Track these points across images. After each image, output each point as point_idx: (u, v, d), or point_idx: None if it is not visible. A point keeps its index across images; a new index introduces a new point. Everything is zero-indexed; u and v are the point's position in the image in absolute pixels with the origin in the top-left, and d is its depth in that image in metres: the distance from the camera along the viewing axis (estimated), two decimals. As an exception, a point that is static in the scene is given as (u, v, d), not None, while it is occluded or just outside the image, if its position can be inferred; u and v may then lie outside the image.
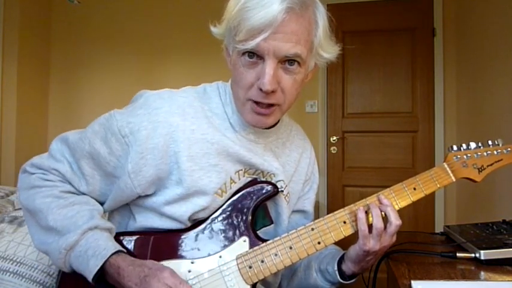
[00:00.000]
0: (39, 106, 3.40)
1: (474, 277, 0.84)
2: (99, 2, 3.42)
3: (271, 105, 0.78)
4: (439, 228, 2.79)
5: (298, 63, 0.76)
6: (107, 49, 3.40)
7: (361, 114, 3.08)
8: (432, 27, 2.94)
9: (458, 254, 0.92)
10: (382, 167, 2.98)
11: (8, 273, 1.24)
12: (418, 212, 2.89)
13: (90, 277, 0.74)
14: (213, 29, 0.81)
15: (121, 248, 0.78)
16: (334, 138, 3.07)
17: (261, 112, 0.79)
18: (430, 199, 2.90)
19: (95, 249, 0.75)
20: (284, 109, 0.82)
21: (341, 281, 0.87)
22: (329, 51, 0.81)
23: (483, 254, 0.89)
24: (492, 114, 2.17)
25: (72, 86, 3.47)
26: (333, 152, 3.08)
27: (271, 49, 0.73)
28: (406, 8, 2.99)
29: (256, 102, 0.78)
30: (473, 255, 0.91)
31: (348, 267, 0.85)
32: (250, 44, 0.72)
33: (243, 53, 0.75)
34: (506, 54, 1.98)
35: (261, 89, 0.75)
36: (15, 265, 1.25)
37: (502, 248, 0.90)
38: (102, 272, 0.75)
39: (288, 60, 0.75)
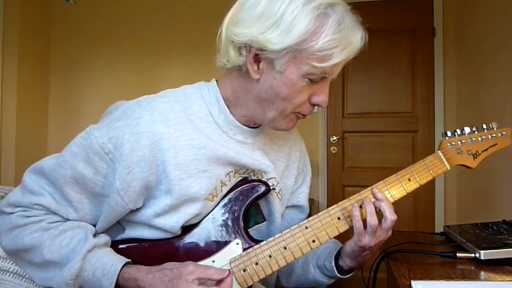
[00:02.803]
0: (39, 106, 3.40)
1: (474, 277, 0.84)
2: (99, 2, 3.42)
3: None
4: (439, 228, 2.79)
5: None
6: (107, 49, 3.40)
7: (361, 114, 3.07)
8: (432, 27, 2.94)
9: (458, 254, 0.92)
10: (382, 167, 2.97)
11: (8, 273, 1.24)
12: (418, 212, 2.90)
13: None
14: (249, 33, 0.72)
15: (127, 260, 0.76)
16: (334, 138, 3.07)
17: (300, 120, 0.82)
18: (430, 199, 2.90)
19: (103, 269, 0.73)
20: None
21: (339, 276, 0.87)
22: None
23: (483, 254, 0.89)
24: (492, 114, 2.16)
25: (72, 86, 3.47)
26: (333, 152, 3.08)
27: (336, 72, 0.77)
28: (406, 8, 2.98)
29: (302, 114, 0.81)
30: (473, 255, 0.91)
31: (345, 262, 0.86)
32: (331, 74, 0.76)
33: (310, 76, 0.75)
34: (506, 54, 1.98)
35: (315, 105, 0.79)
36: (15, 265, 1.25)
37: (502, 248, 0.90)
38: (120, 287, 0.73)
39: None
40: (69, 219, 0.80)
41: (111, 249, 0.79)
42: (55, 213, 0.79)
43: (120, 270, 0.73)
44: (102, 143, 0.74)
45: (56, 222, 0.79)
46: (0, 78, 3.09)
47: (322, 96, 0.77)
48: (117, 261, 0.74)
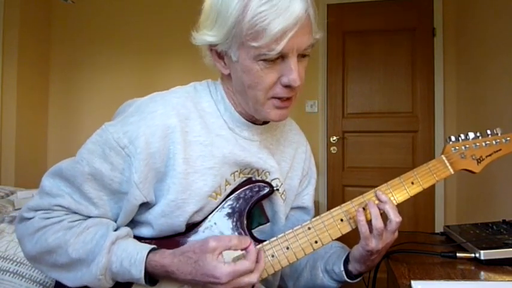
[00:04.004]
0: (39, 106, 3.40)
1: (474, 277, 0.84)
2: (99, 2, 3.42)
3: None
4: (439, 228, 2.79)
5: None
6: (107, 49, 3.40)
7: (361, 114, 3.08)
8: (432, 27, 2.95)
9: (458, 254, 0.92)
10: (382, 167, 2.98)
11: (8, 273, 1.24)
12: (418, 212, 2.90)
13: (144, 283, 0.73)
14: (200, 36, 0.78)
15: (151, 246, 0.75)
16: (334, 138, 3.07)
17: (285, 106, 0.78)
18: (430, 199, 2.90)
19: (129, 258, 0.73)
20: (297, 98, 0.81)
21: (348, 280, 0.87)
22: (319, 31, 0.80)
23: (483, 254, 0.89)
24: (492, 114, 2.17)
25: (72, 86, 3.47)
26: (333, 152, 3.08)
27: (294, 47, 0.72)
28: (406, 8, 2.99)
29: (280, 98, 0.77)
30: (473, 255, 0.90)
31: (354, 267, 0.85)
32: (277, 50, 0.71)
33: (260, 57, 0.73)
34: (506, 54, 1.98)
35: (287, 86, 0.75)
36: (15, 265, 1.25)
37: (502, 248, 0.90)
38: (149, 273, 0.73)
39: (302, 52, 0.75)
40: (90, 217, 0.80)
41: (133, 239, 0.79)
42: (75, 213, 0.79)
43: (147, 257, 0.73)
44: (117, 138, 0.75)
45: (78, 220, 0.79)
46: (0, 78, 3.10)
47: (290, 75, 0.74)
48: (142, 248, 0.74)
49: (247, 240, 0.74)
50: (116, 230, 0.79)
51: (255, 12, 0.70)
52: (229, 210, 0.82)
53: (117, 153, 0.75)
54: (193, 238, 0.81)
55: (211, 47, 0.78)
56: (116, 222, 0.81)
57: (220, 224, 0.82)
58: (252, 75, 0.75)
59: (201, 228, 0.82)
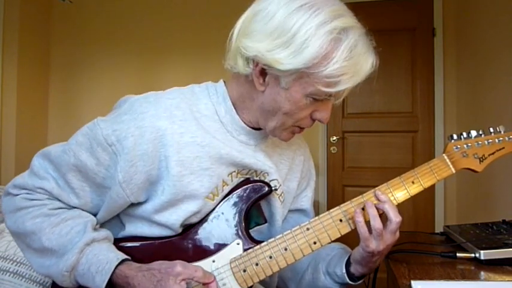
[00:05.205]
0: (39, 106, 3.40)
1: (474, 277, 0.84)
2: (98, 2, 3.41)
3: None
4: (439, 228, 2.79)
5: None
6: (106, 49, 3.40)
7: (361, 114, 3.07)
8: (432, 27, 2.94)
9: (458, 254, 0.92)
10: (382, 167, 2.97)
11: (8, 273, 1.24)
12: (418, 212, 2.89)
13: None
14: (254, 46, 0.72)
15: (124, 257, 0.76)
16: (334, 138, 3.07)
17: (299, 132, 0.83)
18: (430, 199, 2.90)
19: (98, 265, 0.73)
20: None
21: (350, 282, 0.86)
22: None
23: (483, 254, 0.89)
24: (492, 114, 2.17)
25: (72, 86, 3.47)
26: (333, 152, 3.08)
27: (342, 97, 0.79)
28: (406, 8, 2.99)
29: (301, 128, 0.82)
30: (473, 255, 0.91)
31: (356, 269, 0.84)
32: (340, 98, 0.78)
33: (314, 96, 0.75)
34: (506, 54, 1.98)
35: (318, 120, 0.80)
36: (15, 265, 1.25)
37: (502, 248, 0.90)
38: (111, 284, 0.73)
39: None
40: (70, 205, 0.81)
41: (109, 244, 0.79)
42: (57, 199, 0.81)
43: (115, 268, 0.73)
44: (106, 135, 0.76)
45: (58, 209, 0.81)
46: (0, 78, 3.09)
47: (324, 114, 0.79)
48: (113, 258, 0.74)
49: (211, 276, 0.74)
50: (96, 228, 0.80)
51: (340, 64, 0.70)
52: (227, 212, 0.82)
53: (104, 150, 0.76)
54: (189, 240, 0.81)
55: (258, 63, 0.74)
56: (96, 214, 0.82)
57: (216, 226, 0.82)
58: (295, 106, 0.76)
59: (197, 230, 0.82)
